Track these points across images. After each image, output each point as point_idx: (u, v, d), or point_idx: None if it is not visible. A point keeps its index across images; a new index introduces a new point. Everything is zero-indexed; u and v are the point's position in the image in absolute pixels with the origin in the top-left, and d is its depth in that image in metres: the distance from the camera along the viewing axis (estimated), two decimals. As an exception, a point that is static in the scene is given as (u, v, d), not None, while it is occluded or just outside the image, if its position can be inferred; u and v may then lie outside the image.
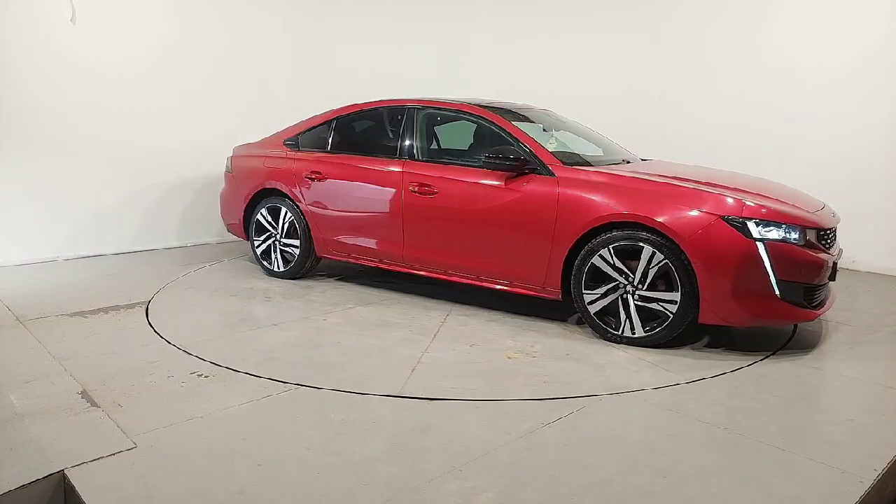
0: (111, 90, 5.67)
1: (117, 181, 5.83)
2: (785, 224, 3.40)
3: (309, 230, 4.90)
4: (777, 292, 3.36)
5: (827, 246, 3.61)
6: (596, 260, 3.65)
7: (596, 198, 3.67)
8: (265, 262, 5.18)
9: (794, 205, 3.63)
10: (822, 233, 3.58)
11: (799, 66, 5.88)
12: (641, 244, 3.52)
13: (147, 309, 4.17)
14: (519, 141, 4.07)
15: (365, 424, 2.63)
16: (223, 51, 6.36)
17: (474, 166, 4.17)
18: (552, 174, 3.86)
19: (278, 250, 5.08)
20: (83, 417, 2.63)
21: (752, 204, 3.45)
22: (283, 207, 5.00)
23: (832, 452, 2.48)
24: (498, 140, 4.20)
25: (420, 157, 4.47)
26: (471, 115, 4.43)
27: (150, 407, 2.75)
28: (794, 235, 3.40)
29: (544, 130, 4.66)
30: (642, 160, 4.70)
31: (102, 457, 2.31)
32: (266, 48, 6.68)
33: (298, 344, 3.66)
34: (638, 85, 6.91)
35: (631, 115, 6.76)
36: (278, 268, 5.09)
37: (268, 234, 5.14)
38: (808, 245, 3.46)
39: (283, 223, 5.01)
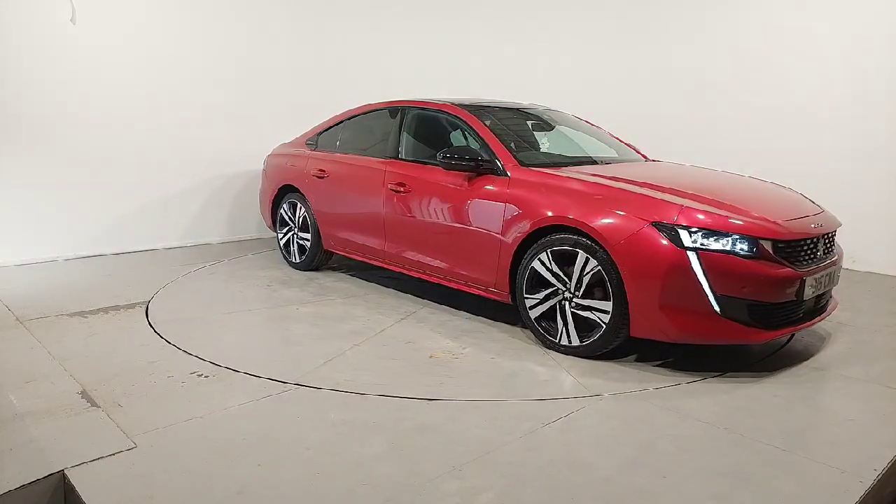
0: (111, 90, 5.66)
1: (117, 181, 5.82)
2: (733, 234, 3.07)
3: (317, 225, 5.11)
4: (716, 308, 3.05)
5: (793, 259, 3.22)
6: (535, 264, 3.54)
7: (540, 199, 3.57)
8: (286, 254, 5.55)
9: (754, 213, 3.25)
10: (782, 244, 3.18)
11: (804, 66, 5.88)
12: (576, 249, 3.37)
13: (147, 309, 4.17)
14: (484, 140, 4.04)
15: (365, 424, 2.63)
16: (227, 51, 6.35)
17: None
18: (507, 174, 3.81)
19: (295, 242, 5.41)
20: (83, 417, 2.63)
21: (689, 210, 3.16)
22: (298, 203, 5.32)
23: (832, 452, 2.48)
24: (470, 140, 4.21)
25: (403, 157, 4.54)
26: (448, 114, 4.44)
27: (150, 407, 2.75)
28: (742, 246, 3.07)
29: (535, 130, 4.64)
30: (646, 161, 4.68)
31: (102, 457, 2.31)
32: (273, 49, 6.67)
33: (250, 328, 3.91)
34: (647, 88, 6.93)
35: (643, 116, 6.77)
36: (295, 259, 5.45)
37: (288, 227, 5.49)
38: (762, 257, 3.10)
39: (298, 218, 5.34)
